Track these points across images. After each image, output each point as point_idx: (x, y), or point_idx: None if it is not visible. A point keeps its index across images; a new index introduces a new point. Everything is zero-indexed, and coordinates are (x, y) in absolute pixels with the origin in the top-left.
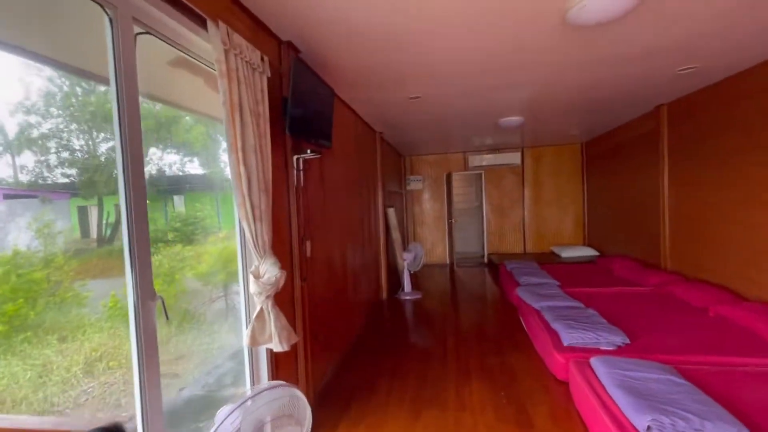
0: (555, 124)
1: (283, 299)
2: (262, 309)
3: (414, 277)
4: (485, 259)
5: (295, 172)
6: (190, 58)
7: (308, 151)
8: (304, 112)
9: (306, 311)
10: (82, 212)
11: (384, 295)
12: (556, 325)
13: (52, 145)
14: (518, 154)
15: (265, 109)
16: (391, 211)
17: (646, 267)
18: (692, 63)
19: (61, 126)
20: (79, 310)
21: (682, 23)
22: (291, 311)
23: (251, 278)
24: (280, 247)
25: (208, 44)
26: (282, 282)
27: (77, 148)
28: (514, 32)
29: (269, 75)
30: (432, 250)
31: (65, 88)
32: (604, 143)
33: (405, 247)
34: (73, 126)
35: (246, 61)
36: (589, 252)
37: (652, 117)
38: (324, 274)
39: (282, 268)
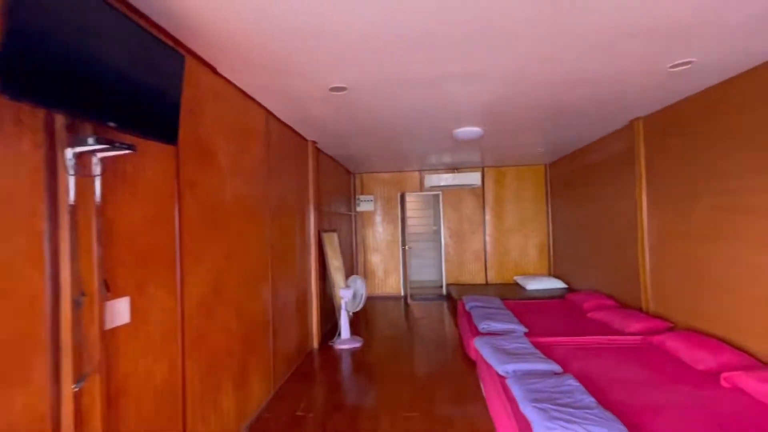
0: (517, 139)
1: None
2: None
3: (357, 316)
4: (444, 291)
5: (72, 178)
6: None
7: (88, 140)
8: (62, 56)
9: None
10: None
11: (315, 343)
12: (528, 411)
13: None
14: (478, 175)
15: None
16: (329, 237)
17: (623, 307)
18: (691, 55)
19: None
20: None
21: None
22: None
23: None
24: (21, 323)
25: None
26: None
27: None
28: None
29: None
30: (385, 280)
31: None
32: (570, 164)
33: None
34: None
35: None
36: (555, 284)
37: (626, 134)
38: (167, 345)
39: None
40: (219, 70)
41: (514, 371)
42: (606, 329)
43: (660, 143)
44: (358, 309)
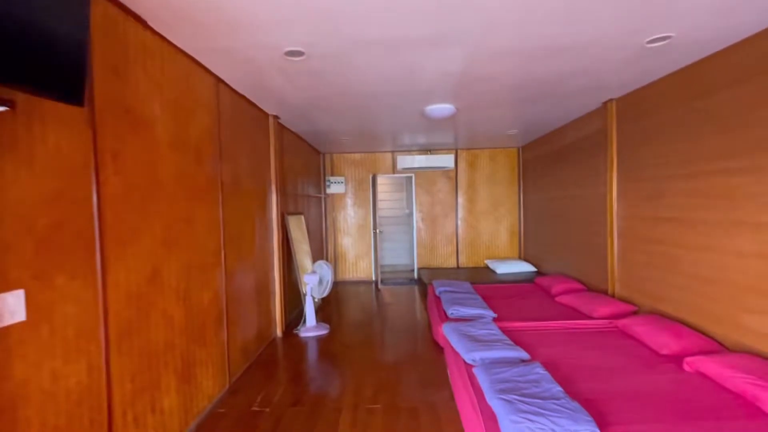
0: (490, 118)
1: None
2: None
3: (326, 302)
4: (415, 275)
5: None
6: None
7: None
8: None
9: None
10: None
11: (278, 331)
12: (495, 403)
13: None
14: (452, 157)
15: None
16: (296, 220)
17: (591, 290)
18: (669, 30)
19: None
20: None
21: None
22: None
23: None
24: None
25: None
26: None
27: None
28: None
29: None
30: (356, 264)
31: None
32: (543, 147)
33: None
34: None
35: None
36: (525, 267)
37: (599, 116)
38: (85, 343)
39: None
40: (151, 24)
41: (482, 359)
42: (574, 313)
43: (633, 126)
44: (324, 295)
